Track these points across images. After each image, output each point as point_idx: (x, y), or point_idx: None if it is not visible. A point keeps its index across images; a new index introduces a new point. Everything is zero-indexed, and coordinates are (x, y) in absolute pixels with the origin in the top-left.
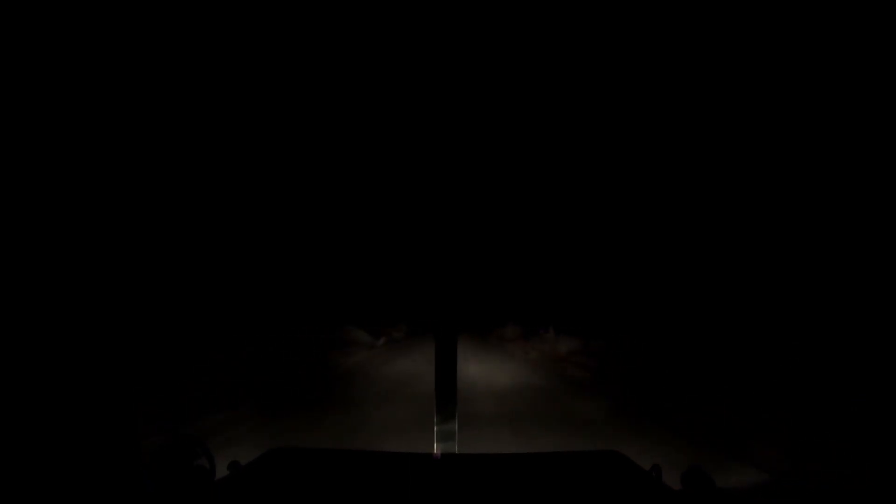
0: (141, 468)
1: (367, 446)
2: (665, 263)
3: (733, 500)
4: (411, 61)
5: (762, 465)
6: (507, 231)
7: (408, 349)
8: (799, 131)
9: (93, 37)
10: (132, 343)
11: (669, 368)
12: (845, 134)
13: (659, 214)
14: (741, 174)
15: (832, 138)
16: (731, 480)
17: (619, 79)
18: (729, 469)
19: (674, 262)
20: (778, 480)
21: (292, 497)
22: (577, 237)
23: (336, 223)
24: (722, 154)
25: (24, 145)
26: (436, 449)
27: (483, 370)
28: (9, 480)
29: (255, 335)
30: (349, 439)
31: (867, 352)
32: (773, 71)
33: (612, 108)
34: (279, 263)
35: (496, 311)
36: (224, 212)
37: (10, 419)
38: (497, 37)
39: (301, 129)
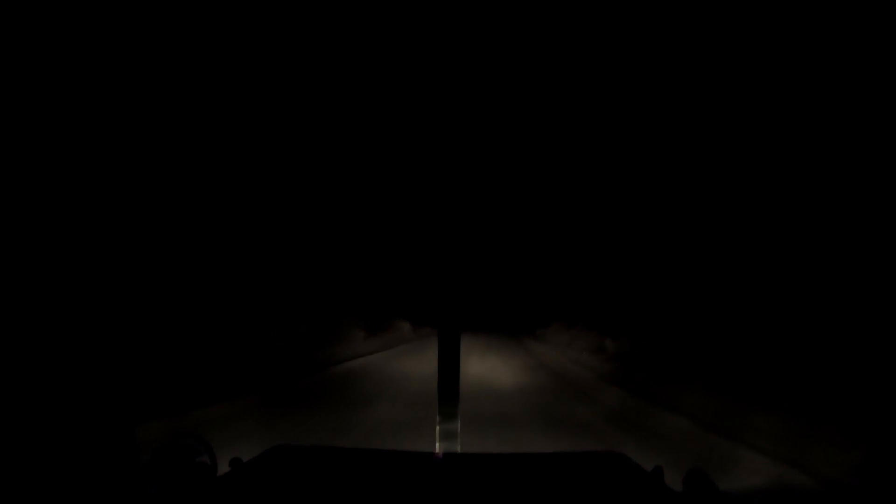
0: (141, 467)
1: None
2: (674, 262)
3: (735, 503)
4: (417, 61)
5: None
6: (512, 231)
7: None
8: (806, 130)
9: (93, 37)
10: (132, 343)
11: (674, 364)
12: (845, 134)
13: (670, 213)
14: (750, 177)
15: (832, 138)
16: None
17: (635, 78)
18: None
19: (683, 260)
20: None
21: (294, 494)
22: (580, 237)
23: (343, 221)
24: (728, 157)
25: (24, 145)
26: (438, 448)
27: None
28: (9, 480)
29: (254, 332)
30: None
31: (868, 351)
32: (773, 71)
33: (626, 107)
34: (283, 261)
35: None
36: (229, 210)
37: (11, 419)
38: (501, 37)
39: (308, 131)
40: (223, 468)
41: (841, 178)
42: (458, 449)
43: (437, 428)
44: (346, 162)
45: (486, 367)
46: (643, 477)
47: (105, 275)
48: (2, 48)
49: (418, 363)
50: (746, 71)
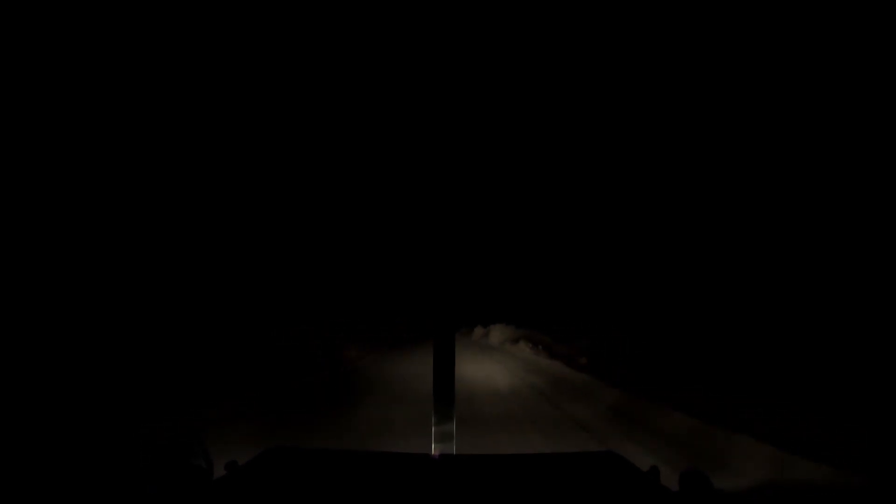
0: (140, 468)
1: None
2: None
3: (732, 502)
4: (415, 63)
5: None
6: (508, 233)
7: None
8: (797, 131)
9: (94, 37)
10: (133, 343)
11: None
12: (843, 134)
13: (661, 217)
14: (741, 179)
15: (831, 138)
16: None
17: (632, 81)
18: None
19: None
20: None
21: (290, 497)
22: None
23: (340, 225)
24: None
25: (24, 146)
26: (433, 450)
27: None
28: (9, 480)
29: (256, 333)
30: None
31: (866, 347)
32: (772, 71)
33: (615, 111)
34: (282, 264)
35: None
36: (228, 214)
37: (11, 419)
38: (502, 38)
39: (310, 134)
40: (219, 471)
41: (826, 178)
42: (454, 451)
43: (433, 429)
44: (345, 168)
45: None
46: (639, 477)
47: (107, 276)
48: (2, 48)
49: None
50: (745, 74)
